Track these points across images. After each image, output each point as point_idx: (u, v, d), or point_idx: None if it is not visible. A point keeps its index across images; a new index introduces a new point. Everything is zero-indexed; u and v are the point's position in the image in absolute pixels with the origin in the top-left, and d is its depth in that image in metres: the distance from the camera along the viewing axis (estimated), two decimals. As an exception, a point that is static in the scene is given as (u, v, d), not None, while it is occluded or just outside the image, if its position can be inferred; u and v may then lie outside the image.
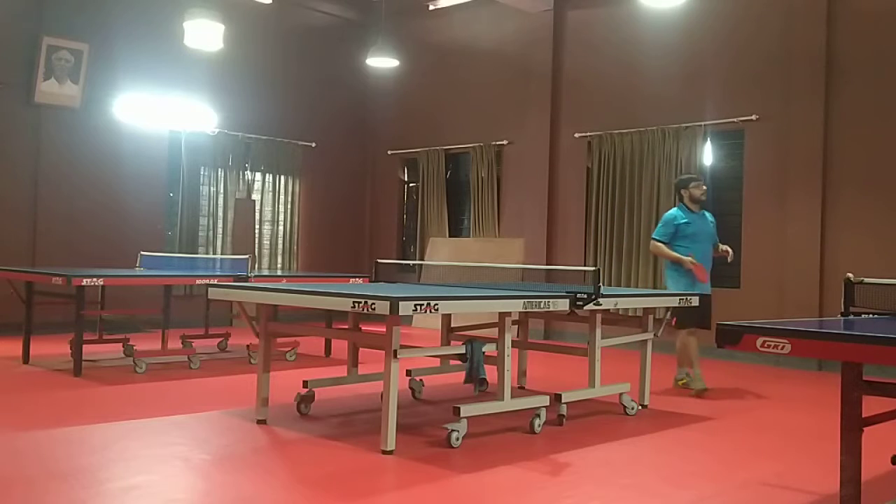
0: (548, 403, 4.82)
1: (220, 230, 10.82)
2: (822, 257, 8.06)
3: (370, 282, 6.39)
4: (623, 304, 5.32)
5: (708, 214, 6.65)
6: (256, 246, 11.15)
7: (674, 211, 6.62)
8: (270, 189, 11.47)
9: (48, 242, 9.21)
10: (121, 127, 9.84)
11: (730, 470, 4.11)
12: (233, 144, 10.97)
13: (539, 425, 4.75)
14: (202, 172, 10.73)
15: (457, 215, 11.78)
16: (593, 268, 5.39)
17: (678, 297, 5.96)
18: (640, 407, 5.56)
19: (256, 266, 10.74)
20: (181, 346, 7.19)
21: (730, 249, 6.62)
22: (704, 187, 6.62)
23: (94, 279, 6.21)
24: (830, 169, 8.13)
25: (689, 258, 6.31)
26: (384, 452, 4.10)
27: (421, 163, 11.85)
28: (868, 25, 8.00)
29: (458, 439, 4.31)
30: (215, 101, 10.67)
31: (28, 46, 9.12)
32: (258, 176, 11.37)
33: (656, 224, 9.24)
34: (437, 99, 11.71)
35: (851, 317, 4.30)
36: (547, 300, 4.64)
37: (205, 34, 7.88)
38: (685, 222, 6.46)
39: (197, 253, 10.46)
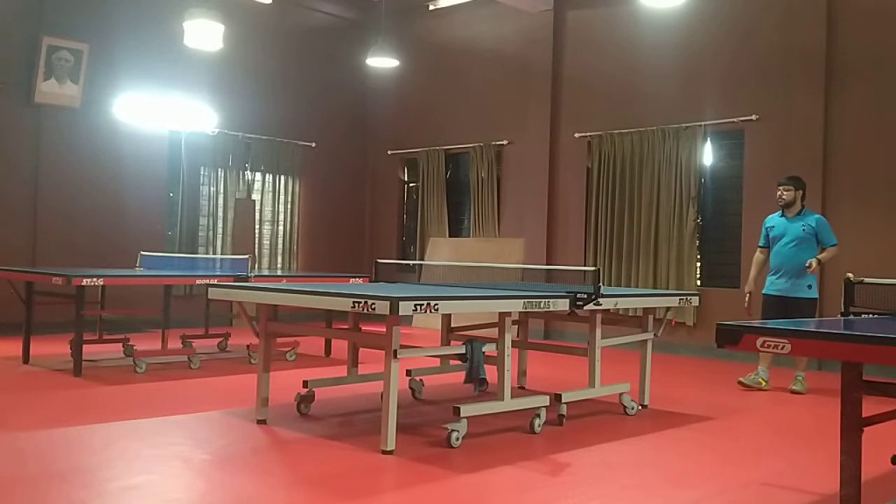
0: (548, 403, 4.83)
1: (220, 230, 10.82)
2: (821, 257, 8.06)
3: (370, 282, 6.39)
4: (623, 304, 5.33)
5: (809, 219, 6.56)
6: (256, 246, 11.15)
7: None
8: (270, 189, 11.47)
9: (48, 242, 9.21)
10: (121, 127, 9.84)
11: (730, 470, 4.11)
12: (233, 144, 10.97)
13: (539, 425, 4.75)
14: (202, 172, 10.73)
15: (457, 215, 11.77)
16: (593, 268, 5.39)
17: (678, 297, 5.99)
18: (640, 407, 5.56)
19: (256, 266, 10.74)
20: (181, 346, 7.18)
21: (812, 262, 6.32)
22: (779, 192, 6.65)
23: (94, 279, 6.21)
24: (830, 169, 8.13)
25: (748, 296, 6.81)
26: (384, 452, 4.09)
27: (421, 163, 11.85)
28: (868, 25, 8.00)
29: (458, 439, 4.31)
30: (215, 101, 10.67)
31: (28, 46, 9.12)
32: (258, 176, 11.37)
33: (656, 224, 9.37)
34: (437, 99, 11.71)
35: (851, 317, 4.30)
36: (547, 300, 4.64)
37: (205, 34, 7.87)
38: (770, 226, 6.76)
39: (197, 253, 10.45)
